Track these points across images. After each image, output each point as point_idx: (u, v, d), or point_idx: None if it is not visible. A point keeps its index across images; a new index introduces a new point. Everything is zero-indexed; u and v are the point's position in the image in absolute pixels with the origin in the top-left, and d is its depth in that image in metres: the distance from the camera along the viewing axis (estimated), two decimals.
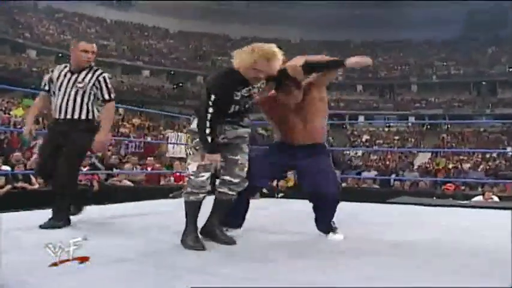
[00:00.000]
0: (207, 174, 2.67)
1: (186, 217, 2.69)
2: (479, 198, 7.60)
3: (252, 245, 2.80)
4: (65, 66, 3.47)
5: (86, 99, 3.36)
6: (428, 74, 36.45)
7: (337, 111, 32.49)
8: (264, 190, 6.54)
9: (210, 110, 2.55)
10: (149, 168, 8.87)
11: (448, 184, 9.70)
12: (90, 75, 3.39)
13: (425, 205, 5.59)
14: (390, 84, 37.07)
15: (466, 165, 19.64)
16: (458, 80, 35.14)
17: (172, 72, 35.53)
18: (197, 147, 2.68)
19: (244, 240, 2.90)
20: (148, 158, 9.59)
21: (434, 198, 7.77)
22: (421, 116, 32.69)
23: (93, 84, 3.38)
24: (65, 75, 3.40)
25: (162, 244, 2.69)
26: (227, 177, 2.77)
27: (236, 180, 2.78)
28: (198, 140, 2.67)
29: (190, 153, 2.74)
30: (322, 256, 2.56)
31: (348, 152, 23.24)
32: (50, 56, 30.23)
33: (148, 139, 16.00)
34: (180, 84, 34.27)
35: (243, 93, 2.65)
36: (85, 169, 6.97)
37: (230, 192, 2.79)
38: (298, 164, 3.03)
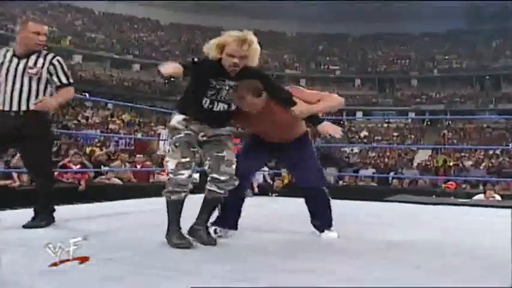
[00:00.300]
0: (186, 172, 2.66)
1: (168, 217, 2.70)
2: (481, 196, 7.65)
3: (250, 245, 2.82)
4: (7, 51, 3.15)
5: (41, 87, 3.11)
6: (429, 68, 36.60)
7: None
8: (256, 190, 6.61)
9: (189, 60, 2.64)
10: (139, 166, 8.86)
11: (449, 182, 9.75)
12: (41, 59, 3.13)
13: (424, 203, 5.63)
14: (390, 78, 37.20)
15: (468, 163, 19.75)
16: (460, 74, 35.30)
17: None
18: (176, 144, 2.68)
19: (242, 240, 2.93)
20: (138, 156, 9.58)
21: (434, 196, 7.81)
22: (421, 111, 32.77)
23: (48, 70, 3.12)
24: (11, 61, 3.10)
25: (156, 244, 2.69)
26: (214, 175, 2.77)
27: (223, 178, 2.75)
28: (176, 136, 2.69)
29: (169, 150, 2.74)
30: (319, 256, 2.58)
31: (345, 149, 23.29)
32: None
33: (139, 136, 15.98)
34: (172, 79, 34.05)
35: (218, 83, 2.67)
36: (76, 167, 6.96)
37: (219, 191, 2.78)
38: (279, 156, 3.12)
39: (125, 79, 32.98)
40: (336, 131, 2.79)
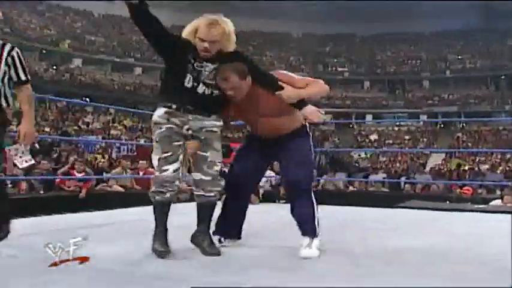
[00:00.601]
0: (171, 167, 2.61)
1: (155, 219, 2.66)
2: (498, 202, 7.62)
3: (254, 252, 2.85)
4: None
5: None
6: (441, 68, 36.53)
7: (343, 110, 32.57)
8: (260, 195, 6.66)
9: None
10: (141, 173, 8.90)
11: (466, 187, 9.70)
12: None
13: (436, 210, 5.64)
14: (400, 79, 37.15)
15: (484, 167, 19.67)
16: (474, 74, 35.17)
17: None
18: (157, 139, 2.66)
19: (246, 247, 2.96)
20: (141, 162, 9.62)
21: (448, 202, 7.81)
22: (434, 113, 32.72)
23: (6, 62, 2.88)
24: None
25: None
26: (197, 175, 2.73)
27: (207, 178, 2.70)
28: (157, 131, 2.66)
29: (153, 148, 2.70)
30: (320, 258, 2.62)
31: (354, 154, 23.28)
32: (32, 52, 30.19)
33: (142, 141, 16.04)
34: None
35: (197, 64, 2.63)
36: (80, 175, 7.03)
37: (207, 194, 2.73)
38: (276, 152, 3.00)
39: (126, 83, 33.09)
40: (317, 117, 2.81)
